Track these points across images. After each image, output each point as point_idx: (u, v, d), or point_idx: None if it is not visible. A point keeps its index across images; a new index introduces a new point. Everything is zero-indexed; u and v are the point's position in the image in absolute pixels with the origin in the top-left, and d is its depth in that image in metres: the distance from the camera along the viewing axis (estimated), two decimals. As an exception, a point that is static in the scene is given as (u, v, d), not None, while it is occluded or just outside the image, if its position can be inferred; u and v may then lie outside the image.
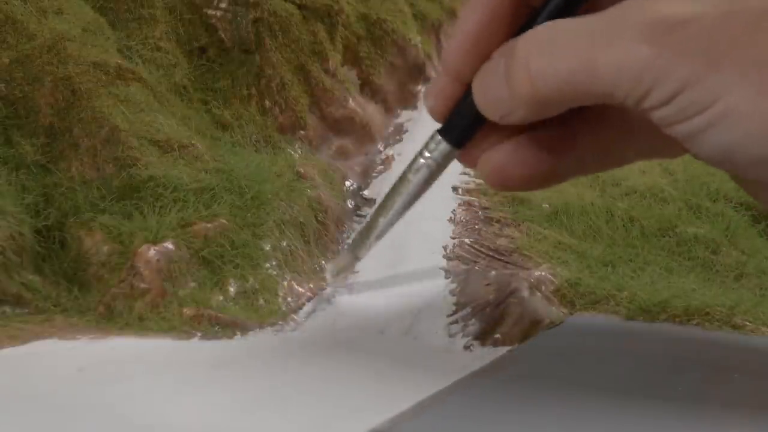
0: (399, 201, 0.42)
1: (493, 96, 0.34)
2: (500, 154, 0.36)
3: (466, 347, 0.54)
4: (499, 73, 0.33)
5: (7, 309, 0.61)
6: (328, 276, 0.56)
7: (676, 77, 0.28)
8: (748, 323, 0.60)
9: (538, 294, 0.65)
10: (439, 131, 0.38)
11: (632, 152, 0.38)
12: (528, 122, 0.35)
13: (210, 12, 0.95)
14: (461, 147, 0.38)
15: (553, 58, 0.31)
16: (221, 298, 0.63)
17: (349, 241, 0.56)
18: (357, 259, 0.54)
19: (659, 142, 0.37)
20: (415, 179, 0.40)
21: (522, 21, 0.34)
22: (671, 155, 0.38)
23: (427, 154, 0.39)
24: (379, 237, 0.48)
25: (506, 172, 0.36)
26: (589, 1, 0.33)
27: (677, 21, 0.28)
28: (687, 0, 0.29)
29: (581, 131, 0.37)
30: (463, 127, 0.37)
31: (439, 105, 0.38)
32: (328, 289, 0.71)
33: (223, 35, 0.95)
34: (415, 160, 0.40)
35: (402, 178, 0.41)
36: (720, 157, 0.30)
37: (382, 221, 0.45)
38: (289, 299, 0.67)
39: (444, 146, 0.38)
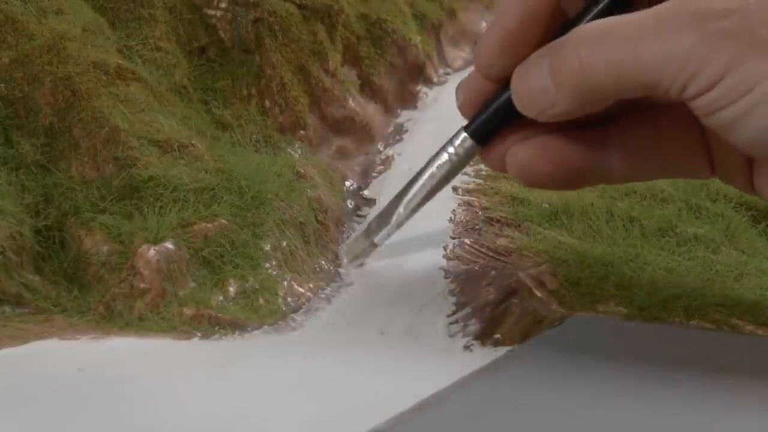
0: (420, 193, 0.43)
1: (537, 88, 0.35)
2: (528, 149, 0.38)
3: (466, 347, 0.54)
4: (543, 68, 0.34)
5: (7, 309, 0.61)
6: (343, 260, 0.57)
7: (717, 63, 0.30)
8: (748, 323, 0.60)
9: (538, 294, 0.65)
10: (465, 128, 0.40)
11: (657, 166, 0.40)
12: (566, 119, 0.36)
13: (210, 12, 0.95)
14: (485, 145, 0.40)
15: (602, 48, 0.32)
16: (221, 298, 0.63)
17: (363, 227, 0.56)
18: (375, 246, 0.54)
19: (684, 159, 0.39)
20: (438, 173, 0.41)
21: (557, 26, 0.36)
22: (694, 175, 0.40)
23: (451, 150, 0.40)
24: (398, 226, 0.50)
25: (533, 167, 0.38)
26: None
27: (721, 11, 0.30)
28: None
29: (611, 136, 0.38)
30: (490, 125, 0.39)
31: (470, 100, 0.39)
32: (328, 289, 0.71)
33: (223, 35, 0.95)
34: (438, 154, 0.41)
35: (424, 172, 0.42)
36: (762, 143, 0.31)
37: (403, 212, 0.46)
38: (289, 299, 0.67)
39: (468, 143, 0.40)
